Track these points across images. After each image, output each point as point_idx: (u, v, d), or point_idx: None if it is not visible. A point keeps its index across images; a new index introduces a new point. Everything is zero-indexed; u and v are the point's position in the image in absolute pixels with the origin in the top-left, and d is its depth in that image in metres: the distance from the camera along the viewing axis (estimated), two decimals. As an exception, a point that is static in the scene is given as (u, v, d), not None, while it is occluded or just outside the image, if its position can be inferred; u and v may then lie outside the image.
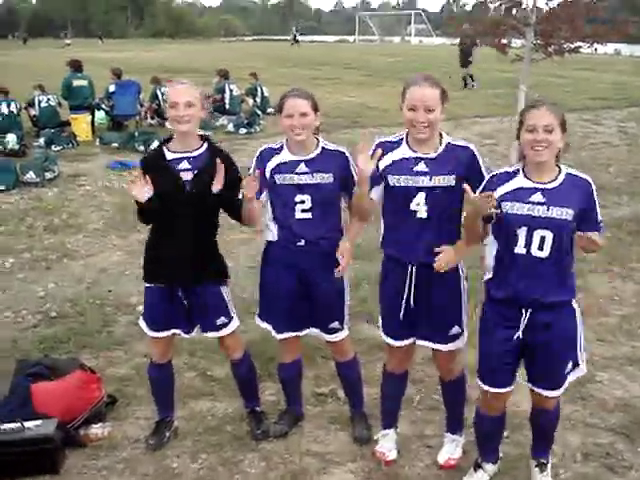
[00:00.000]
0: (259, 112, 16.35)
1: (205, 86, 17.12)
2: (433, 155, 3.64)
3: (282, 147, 4.00)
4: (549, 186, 3.35)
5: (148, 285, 4.12)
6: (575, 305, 3.56)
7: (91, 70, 15.93)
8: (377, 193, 3.78)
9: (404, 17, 75.69)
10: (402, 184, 3.65)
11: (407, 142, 3.72)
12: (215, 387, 4.95)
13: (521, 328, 3.46)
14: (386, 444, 4.21)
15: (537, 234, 3.33)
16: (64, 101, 14.60)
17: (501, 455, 4.03)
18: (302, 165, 3.92)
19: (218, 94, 16.22)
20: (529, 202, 3.34)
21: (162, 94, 15.62)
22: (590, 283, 6.86)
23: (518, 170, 3.46)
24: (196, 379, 5.10)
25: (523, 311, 3.44)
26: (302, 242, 3.95)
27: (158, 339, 4.19)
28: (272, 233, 4.05)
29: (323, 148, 3.99)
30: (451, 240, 3.65)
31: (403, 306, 3.81)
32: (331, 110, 16.88)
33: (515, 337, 3.48)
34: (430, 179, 3.62)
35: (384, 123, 15.43)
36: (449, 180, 3.61)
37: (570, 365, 3.58)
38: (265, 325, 4.26)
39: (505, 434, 4.08)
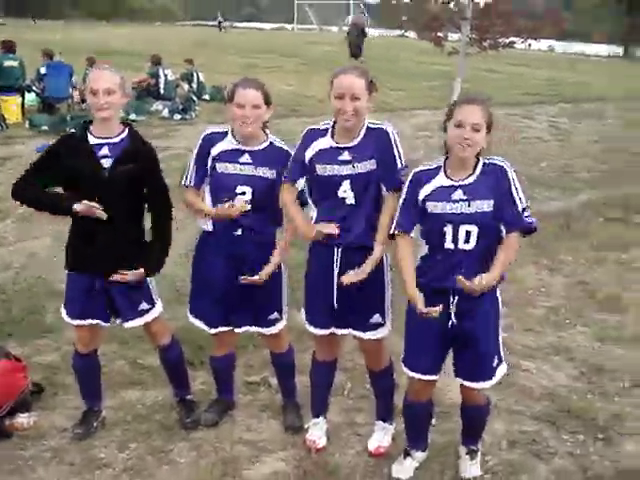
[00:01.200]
0: (194, 98, 16.17)
1: (139, 71, 16.88)
2: (355, 143, 3.69)
3: (227, 133, 3.95)
4: (467, 182, 3.41)
5: (69, 272, 4.05)
6: (498, 294, 3.61)
7: (23, 51, 15.50)
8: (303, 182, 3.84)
9: (343, 7, 75.75)
10: (328, 173, 3.70)
11: (332, 132, 3.76)
12: (145, 375, 4.90)
13: (450, 314, 3.50)
14: (316, 432, 4.23)
15: (462, 229, 3.39)
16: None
17: (429, 442, 4.09)
18: (246, 156, 3.90)
19: (152, 79, 15.98)
20: (451, 200, 3.40)
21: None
22: (518, 275, 7.00)
23: (439, 168, 3.50)
24: (126, 367, 5.04)
25: (451, 297, 3.48)
26: (239, 231, 3.93)
27: (80, 327, 4.11)
28: (209, 222, 4.00)
29: (271, 143, 3.97)
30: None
31: (332, 293, 3.83)
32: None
33: (441, 324, 3.52)
34: (353, 166, 3.67)
35: (322, 112, 15.39)
36: (371, 164, 3.66)
37: (496, 359, 3.64)
38: (198, 322, 4.22)
39: (433, 422, 4.14)
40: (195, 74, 17.34)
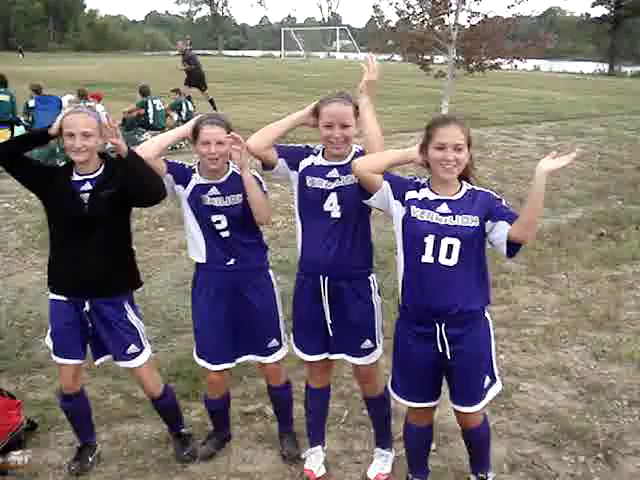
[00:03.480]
0: (184, 127, 16.18)
1: (130, 101, 16.92)
2: (345, 162, 3.80)
3: (195, 170, 4.03)
4: (453, 198, 3.42)
5: (54, 298, 4.02)
6: (487, 315, 3.58)
7: (10, 84, 15.51)
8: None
9: (329, 33, 76.39)
10: (316, 185, 3.82)
11: (323, 154, 3.88)
12: (140, 409, 4.83)
13: (438, 341, 3.47)
14: (314, 462, 4.18)
15: (444, 242, 3.36)
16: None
17: (430, 469, 4.04)
18: (214, 189, 3.96)
19: (141, 109, 16.01)
20: (436, 211, 3.39)
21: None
22: (513, 294, 7.00)
23: (424, 184, 3.51)
24: (120, 401, 4.98)
25: (437, 325, 3.45)
26: (232, 261, 3.98)
27: (65, 366, 4.06)
28: (201, 254, 4.03)
29: (233, 172, 4.01)
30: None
31: (320, 319, 3.89)
32: (257, 126, 16.82)
33: (431, 351, 3.50)
34: (339, 179, 3.79)
35: (311, 138, 15.41)
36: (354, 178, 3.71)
37: (488, 379, 3.59)
38: (202, 363, 4.18)
39: (433, 447, 4.10)
40: (184, 103, 17.40)
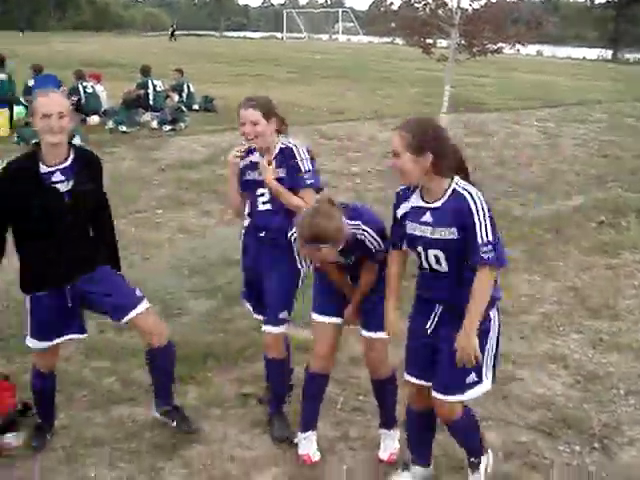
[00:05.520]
0: (184, 108, 16.12)
1: (130, 82, 16.83)
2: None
3: (251, 151, 4.36)
4: (434, 205, 3.40)
5: (35, 295, 4.00)
6: (492, 315, 3.53)
7: (11, 64, 15.45)
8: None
9: (332, 15, 75.98)
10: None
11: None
12: (136, 392, 4.82)
13: (433, 319, 3.53)
14: (309, 446, 4.17)
15: (431, 253, 3.43)
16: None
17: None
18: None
19: (141, 90, 15.92)
20: (421, 222, 3.42)
21: (84, 88, 15.26)
22: (512, 282, 6.98)
23: (416, 187, 3.51)
24: (116, 384, 4.96)
25: (436, 305, 3.51)
26: (263, 233, 4.28)
27: (48, 349, 4.07)
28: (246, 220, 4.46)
29: (281, 149, 4.27)
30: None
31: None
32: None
33: (424, 327, 3.55)
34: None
35: (312, 121, 15.39)
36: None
37: (473, 376, 3.50)
38: (247, 305, 4.63)
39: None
40: (185, 84, 17.30)
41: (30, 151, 3.93)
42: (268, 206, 4.28)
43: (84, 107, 14.99)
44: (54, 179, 3.80)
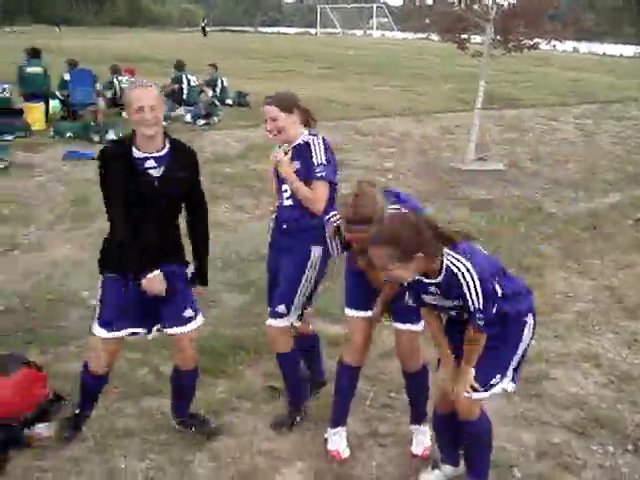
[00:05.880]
0: (217, 103, 16.17)
1: (164, 77, 16.92)
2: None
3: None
4: (436, 281, 3.38)
5: (109, 275, 3.96)
6: (528, 320, 3.57)
7: (47, 58, 15.59)
8: None
9: (366, 10, 75.69)
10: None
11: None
12: (166, 384, 4.79)
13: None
14: (339, 442, 4.15)
15: (445, 313, 3.59)
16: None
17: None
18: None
19: (175, 84, 16.01)
20: (428, 292, 3.45)
21: (119, 83, 15.37)
22: (546, 279, 6.89)
23: None
24: (148, 376, 4.98)
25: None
26: (285, 225, 4.32)
27: (110, 340, 4.00)
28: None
29: (298, 144, 4.28)
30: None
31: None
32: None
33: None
34: None
35: (345, 116, 15.36)
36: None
37: (498, 377, 3.53)
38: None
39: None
40: (219, 79, 17.35)
41: (124, 137, 3.96)
42: (290, 201, 4.29)
43: (120, 101, 15.10)
44: (147, 165, 3.83)
